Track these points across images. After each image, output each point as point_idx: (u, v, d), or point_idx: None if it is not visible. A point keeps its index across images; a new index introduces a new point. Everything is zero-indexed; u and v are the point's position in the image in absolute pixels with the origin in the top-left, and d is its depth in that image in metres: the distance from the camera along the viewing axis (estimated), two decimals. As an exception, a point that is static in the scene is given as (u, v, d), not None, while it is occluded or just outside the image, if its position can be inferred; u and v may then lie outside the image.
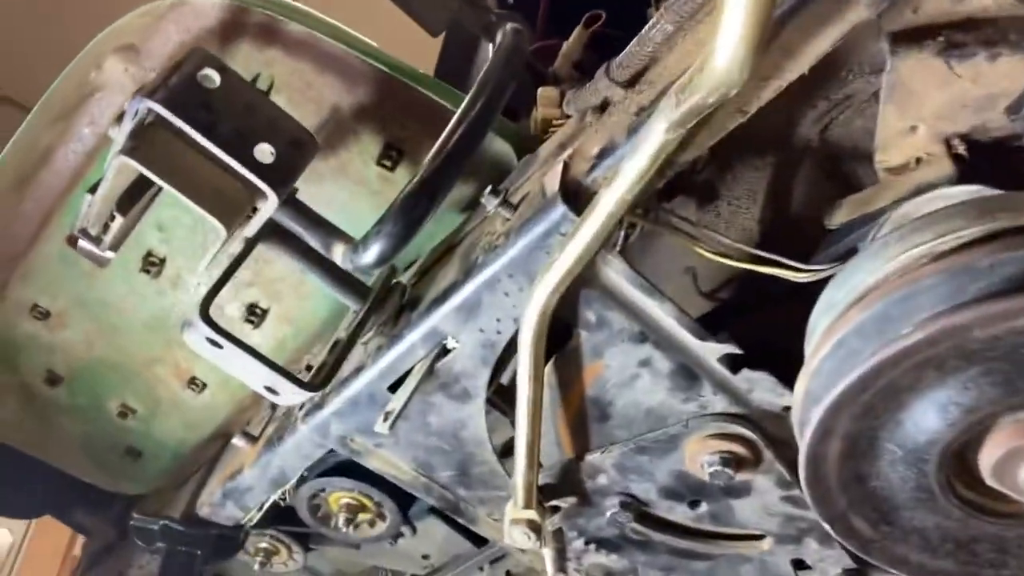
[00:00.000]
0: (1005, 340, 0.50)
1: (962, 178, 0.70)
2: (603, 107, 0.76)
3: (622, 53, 0.71)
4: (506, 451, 0.97)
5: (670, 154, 0.61)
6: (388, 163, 0.92)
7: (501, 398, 0.95)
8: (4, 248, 1.05)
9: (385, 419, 0.87)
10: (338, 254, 0.75)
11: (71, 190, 1.00)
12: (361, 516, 1.24)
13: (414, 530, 1.30)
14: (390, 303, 0.89)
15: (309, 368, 1.00)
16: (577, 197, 0.72)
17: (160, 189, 0.77)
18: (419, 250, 1.03)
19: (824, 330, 0.62)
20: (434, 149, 0.71)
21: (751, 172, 0.85)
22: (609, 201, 0.65)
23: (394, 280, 0.92)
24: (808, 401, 0.61)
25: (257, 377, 0.79)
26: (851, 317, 0.58)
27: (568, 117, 1.00)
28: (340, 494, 1.21)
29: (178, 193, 0.73)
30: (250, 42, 0.88)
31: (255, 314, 1.05)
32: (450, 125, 0.73)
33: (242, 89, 0.74)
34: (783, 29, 0.58)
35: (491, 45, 0.86)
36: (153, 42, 0.88)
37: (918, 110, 0.71)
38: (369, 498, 1.21)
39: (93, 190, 0.82)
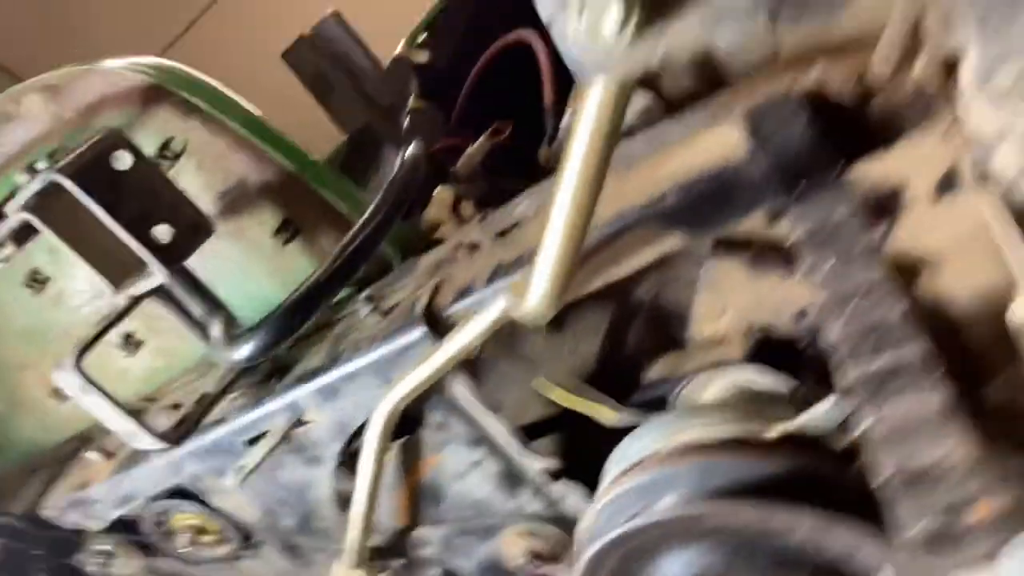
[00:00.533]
0: (730, 528, 0.65)
1: (754, 358, 0.86)
2: (474, 246, 0.87)
3: (495, 213, 0.83)
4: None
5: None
6: (284, 236, 1.00)
7: (351, 460, 1.05)
8: None
9: (237, 473, 0.95)
10: (215, 329, 0.83)
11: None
12: (204, 538, 1.30)
13: (255, 554, 1.37)
14: (262, 367, 0.97)
15: (175, 406, 1.06)
16: (438, 323, 0.82)
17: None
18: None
19: (610, 480, 0.76)
20: (324, 265, 0.80)
21: (595, 311, 0.98)
22: (462, 339, 0.76)
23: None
24: (586, 536, 0.75)
25: (118, 425, 0.85)
26: (627, 479, 0.72)
27: (460, 219, 1.11)
28: (185, 516, 1.27)
29: (73, 252, 0.79)
30: (171, 109, 0.94)
31: (131, 343, 1.10)
32: (343, 242, 0.82)
33: (150, 173, 0.80)
34: (596, 255, 0.71)
35: (398, 157, 0.96)
36: (77, 87, 0.93)
37: (726, 299, 0.86)
38: (214, 523, 1.27)
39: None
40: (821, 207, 0.60)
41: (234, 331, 0.80)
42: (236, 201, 1.00)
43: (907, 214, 0.71)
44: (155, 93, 0.92)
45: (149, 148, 0.97)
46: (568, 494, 0.95)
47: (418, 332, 0.82)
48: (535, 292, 0.57)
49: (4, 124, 0.95)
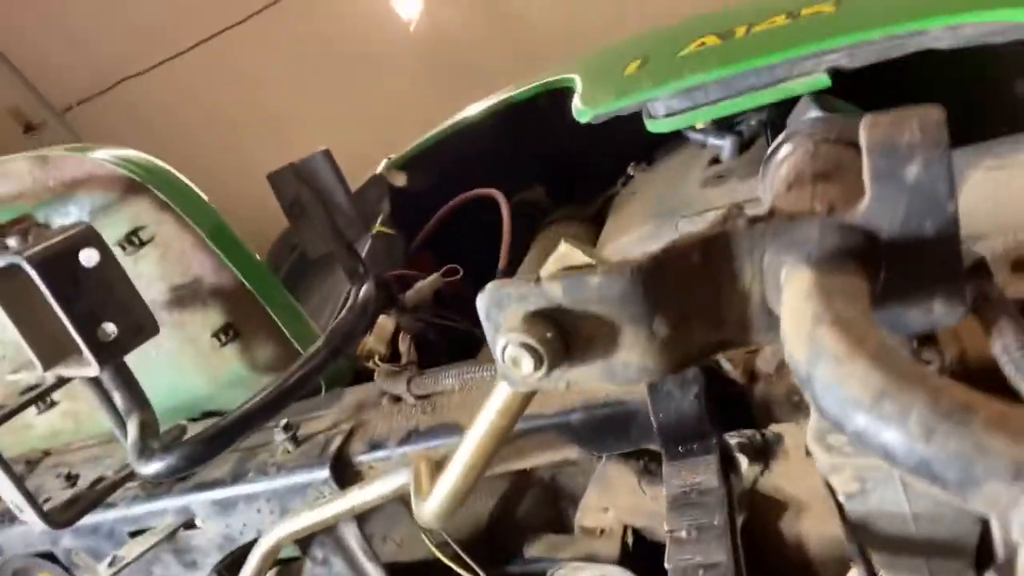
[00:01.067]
0: None
1: (621, 560, 0.92)
2: (397, 399, 0.93)
3: (422, 378, 0.90)
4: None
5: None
6: (222, 338, 1.04)
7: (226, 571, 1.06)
8: None
9: (112, 563, 0.95)
10: (132, 429, 0.85)
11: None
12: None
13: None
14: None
15: (70, 478, 1.07)
16: (344, 471, 0.87)
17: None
18: (221, 406, 1.14)
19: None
20: (254, 399, 0.83)
21: (495, 477, 1.04)
22: (361, 497, 0.81)
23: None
24: None
25: (11, 497, 0.86)
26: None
27: (395, 354, 1.17)
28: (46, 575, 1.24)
29: (16, 329, 0.82)
30: (148, 202, 0.99)
31: (44, 401, 1.11)
32: (279, 381, 0.86)
33: (112, 271, 0.85)
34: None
35: (351, 292, 1.03)
36: (66, 164, 0.98)
37: (612, 499, 0.93)
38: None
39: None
40: (692, 468, 0.68)
41: (151, 440, 0.83)
42: (186, 297, 1.05)
43: (781, 461, 0.80)
44: (137, 186, 0.97)
45: (119, 231, 1.02)
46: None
47: (322, 474, 0.87)
48: (435, 501, 0.63)
49: (-16, 175, 0.99)
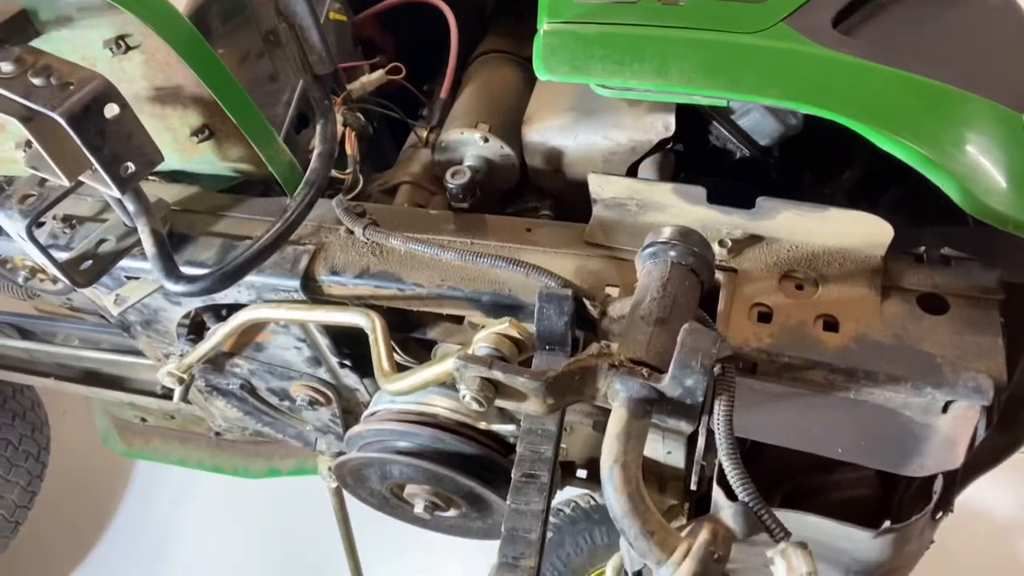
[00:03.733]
0: (430, 471, 1.20)
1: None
2: (351, 232, 1.21)
3: (376, 229, 1.18)
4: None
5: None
6: (199, 136, 1.21)
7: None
8: None
9: (116, 301, 1.27)
10: (149, 247, 1.08)
11: None
12: (39, 275, 1.56)
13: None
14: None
15: (66, 220, 1.29)
16: (310, 285, 1.19)
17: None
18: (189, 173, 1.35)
19: (371, 412, 1.25)
20: (261, 238, 1.08)
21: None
22: (324, 317, 1.15)
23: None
24: (352, 438, 1.25)
25: (42, 260, 1.12)
26: (377, 419, 1.22)
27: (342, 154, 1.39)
28: (25, 260, 1.52)
29: (45, 155, 0.98)
30: (135, 16, 1.06)
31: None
32: (276, 223, 1.09)
33: (129, 121, 0.99)
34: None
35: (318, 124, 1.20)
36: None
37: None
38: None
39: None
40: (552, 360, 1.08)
41: (167, 261, 1.07)
42: (167, 97, 1.18)
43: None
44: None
45: (107, 33, 1.10)
46: (348, 376, 1.43)
47: (294, 283, 1.18)
48: (397, 386, 1.00)
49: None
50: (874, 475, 1.18)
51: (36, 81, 0.96)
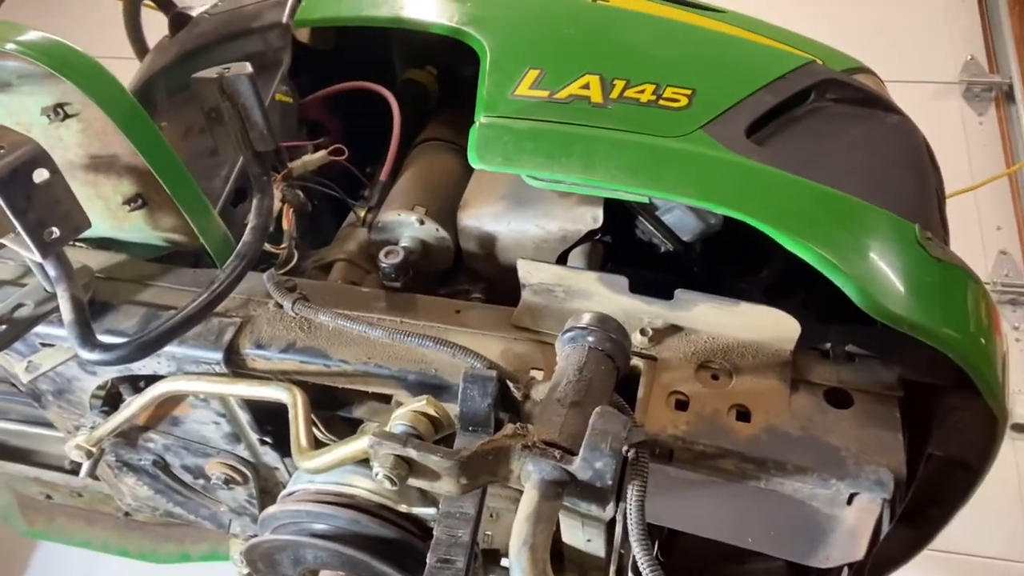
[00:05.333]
0: (346, 556, 1.16)
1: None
2: (280, 306, 1.21)
3: (306, 304, 1.18)
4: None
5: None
6: (131, 205, 1.21)
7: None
8: None
9: (28, 368, 1.22)
10: (66, 313, 1.06)
11: None
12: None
13: None
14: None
15: None
16: (233, 358, 1.17)
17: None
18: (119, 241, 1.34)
19: (289, 492, 1.22)
20: (186, 307, 1.07)
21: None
22: (245, 391, 1.13)
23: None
24: (267, 519, 1.21)
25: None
26: (300, 500, 1.19)
27: (279, 228, 1.40)
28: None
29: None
30: (74, 86, 1.08)
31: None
32: (203, 296, 1.09)
33: (59, 187, 0.99)
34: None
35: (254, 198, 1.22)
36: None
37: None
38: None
39: None
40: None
41: (89, 332, 1.05)
42: (102, 165, 1.18)
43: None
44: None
45: (45, 101, 1.11)
46: (267, 454, 1.39)
47: (217, 356, 1.17)
48: (314, 464, 0.98)
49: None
50: (784, 566, 1.20)
51: (-36, 146, 0.96)
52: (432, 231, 1.35)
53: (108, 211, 1.24)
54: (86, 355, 1.05)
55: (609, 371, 0.87)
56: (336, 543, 1.13)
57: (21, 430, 1.77)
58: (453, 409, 0.99)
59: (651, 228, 1.30)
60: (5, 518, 2.23)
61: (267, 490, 1.47)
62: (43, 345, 1.26)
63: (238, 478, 1.43)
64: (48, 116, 1.12)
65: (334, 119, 1.68)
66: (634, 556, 0.80)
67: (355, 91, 1.57)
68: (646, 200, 1.10)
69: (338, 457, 1.01)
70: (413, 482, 0.78)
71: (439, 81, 1.70)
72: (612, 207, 1.28)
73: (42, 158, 0.97)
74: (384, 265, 1.23)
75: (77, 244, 1.36)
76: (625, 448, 0.79)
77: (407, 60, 1.69)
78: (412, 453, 0.75)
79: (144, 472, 1.51)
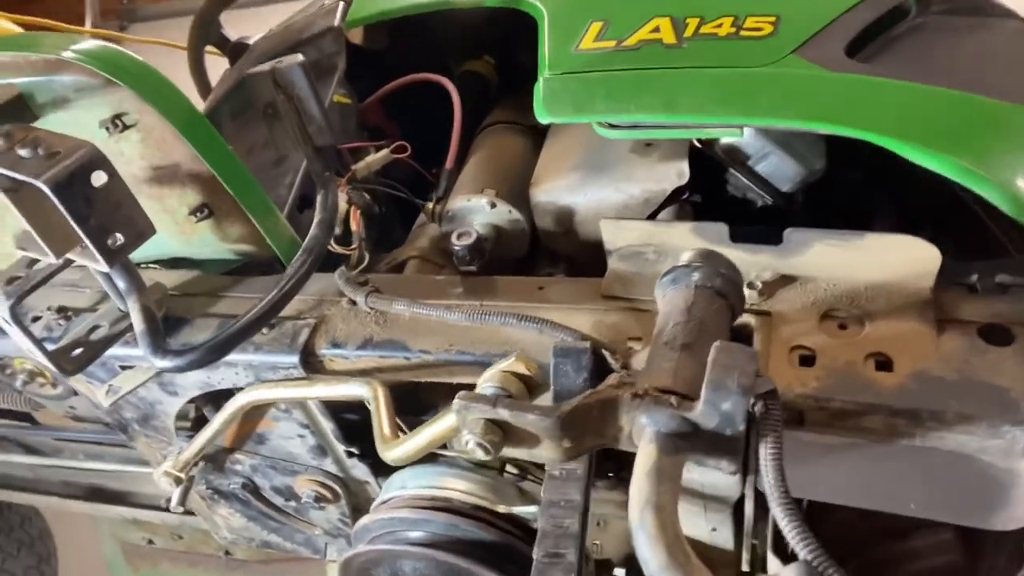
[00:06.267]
0: (449, 565, 1.06)
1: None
2: (353, 303, 1.14)
3: (378, 295, 1.10)
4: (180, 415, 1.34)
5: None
6: (197, 215, 1.18)
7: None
8: None
9: (108, 392, 1.19)
10: (137, 324, 1.02)
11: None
12: (39, 379, 1.50)
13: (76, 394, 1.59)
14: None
15: (60, 311, 1.24)
16: (309, 360, 1.11)
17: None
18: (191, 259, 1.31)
19: (382, 500, 1.13)
20: (254, 308, 1.02)
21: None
22: (326, 392, 1.06)
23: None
24: (361, 531, 1.13)
25: (28, 350, 1.06)
26: (396, 507, 1.10)
27: (347, 231, 1.35)
28: (26, 361, 1.46)
29: (28, 225, 0.95)
30: (132, 93, 1.06)
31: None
32: (272, 293, 1.04)
33: (118, 189, 0.96)
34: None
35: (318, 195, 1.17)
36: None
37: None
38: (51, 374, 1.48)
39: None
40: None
41: (160, 338, 1.01)
42: (165, 177, 1.16)
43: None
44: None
45: (103, 113, 1.09)
46: (356, 467, 1.32)
47: (293, 359, 1.10)
48: (398, 453, 0.90)
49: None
50: (956, 537, 1.02)
51: (23, 153, 0.93)
52: (504, 213, 1.26)
53: (176, 225, 1.21)
54: (159, 362, 1.01)
55: (722, 309, 0.75)
56: (434, 550, 1.03)
57: (118, 470, 1.77)
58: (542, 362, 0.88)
59: (744, 181, 1.18)
60: (111, 568, 2.24)
61: (359, 507, 1.39)
62: (122, 368, 1.23)
63: (328, 495, 1.35)
64: (107, 129, 1.10)
65: (392, 124, 1.63)
66: (773, 534, 0.68)
67: (412, 93, 1.52)
68: (739, 134, 0.99)
69: (426, 439, 0.92)
70: (509, 452, 0.68)
71: (497, 71, 1.63)
72: (698, 164, 1.17)
73: (100, 160, 0.94)
74: (458, 248, 1.15)
75: (150, 266, 1.34)
76: (751, 401, 0.66)
77: (463, 52, 1.63)
78: (504, 414, 0.65)
79: (235, 498, 1.46)
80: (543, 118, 1.01)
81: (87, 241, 0.95)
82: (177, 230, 1.22)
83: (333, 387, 1.06)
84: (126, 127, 1.11)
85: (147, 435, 1.39)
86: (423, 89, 1.52)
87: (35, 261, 1.06)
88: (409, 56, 1.58)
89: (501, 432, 0.66)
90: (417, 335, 1.08)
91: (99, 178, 0.95)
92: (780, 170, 1.15)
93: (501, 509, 1.10)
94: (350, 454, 1.28)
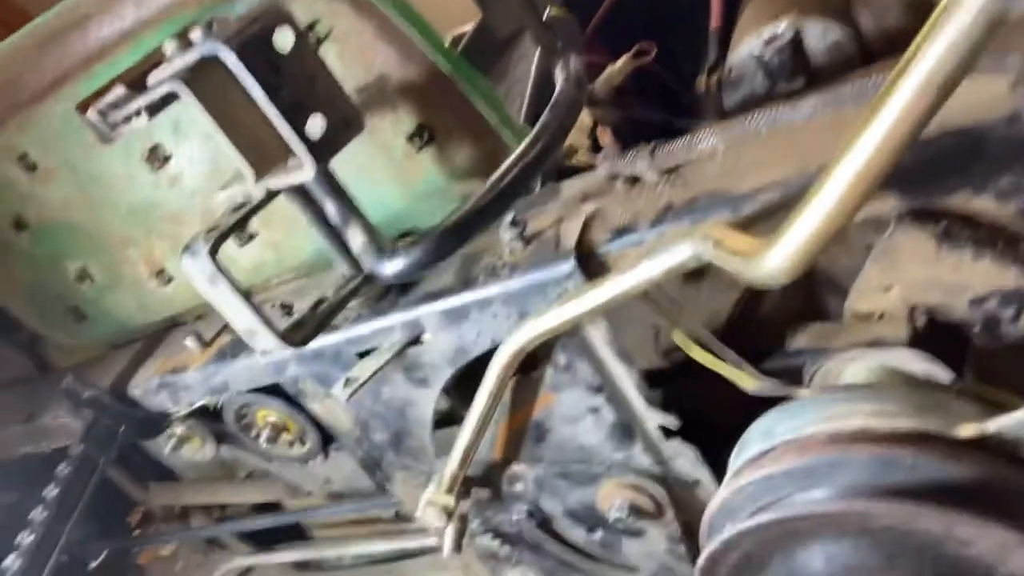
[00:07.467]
0: (897, 531, 0.60)
1: (912, 343, 0.79)
2: (634, 180, 0.80)
3: (668, 147, 0.76)
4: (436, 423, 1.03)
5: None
6: (417, 142, 0.94)
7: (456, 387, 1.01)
8: (9, 94, 1.02)
9: (346, 384, 0.92)
10: (356, 237, 0.78)
11: (96, 60, 0.98)
12: (283, 436, 1.29)
13: (326, 457, 1.37)
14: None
15: (284, 307, 1.03)
16: (589, 262, 0.77)
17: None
18: (416, 223, 1.05)
19: (754, 456, 0.70)
20: (487, 185, 0.74)
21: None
22: (620, 286, 0.70)
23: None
24: (723, 512, 0.70)
25: (241, 320, 0.82)
26: (782, 459, 0.67)
27: (596, 146, 1.04)
28: (269, 412, 1.26)
29: (222, 133, 0.74)
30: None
31: (244, 233, 1.07)
32: (505, 164, 0.75)
33: (309, 57, 0.74)
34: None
35: (557, 70, 0.88)
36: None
37: (898, 275, 0.78)
38: (296, 423, 1.27)
39: (130, 84, 0.81)
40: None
41: (380, 243, 0.76)
42: (373, 98, 0.94)
43: None
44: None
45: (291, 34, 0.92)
46: (680, 454, 0.90)
47: (566, 268, 0.77)
48: (781, 252, 0.51)
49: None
50: None
51: (194, 35, 0.74)
52: (817, 35, 0.87)
53: (394, 165, 0.97)
54: (389, 268, 0.72)
55: None
56: (901, 502, 0.59)
57: (391, 548, 1.48)
58: None
59: None
60: None
61: (691, 527, 0.96)
62: (359, 355, 0.96)
63: (648, 506, 0.94)
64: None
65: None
66: None
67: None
68: None
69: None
70: None
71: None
72: None
73: (282, 14, 0.73)
74: (767, 60, 0.78)
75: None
76: None
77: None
78: None
79: (522, 544, 1.09)
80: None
81: (282, 125, 0.72)
82: (397, 173, 0.98)
83: (635, 272, 0.69)
84: (320, 40, 0.91)
85: (404, 467, 1.09)
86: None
87: (237, 208, 0.85)
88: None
89: None
90: (740, 174, 0.70)
91: (284, 39, 0.73)
92: None
93: (965, 433, 0.63)
94: (666, 433, 0.88)
